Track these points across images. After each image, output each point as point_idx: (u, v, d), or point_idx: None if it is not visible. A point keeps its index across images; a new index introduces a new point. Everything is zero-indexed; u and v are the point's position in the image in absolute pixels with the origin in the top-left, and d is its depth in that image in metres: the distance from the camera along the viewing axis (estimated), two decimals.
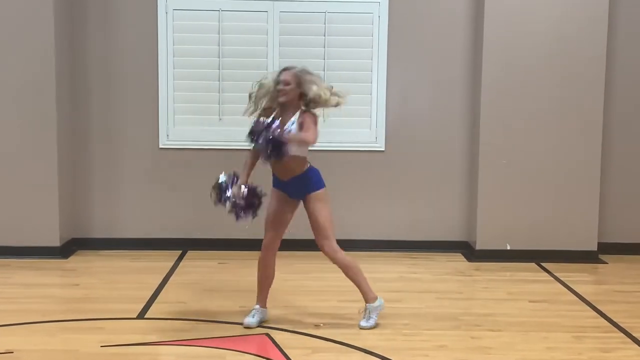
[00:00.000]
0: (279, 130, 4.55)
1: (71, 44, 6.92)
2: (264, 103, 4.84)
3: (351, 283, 5.00)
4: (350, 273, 4.95)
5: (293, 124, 4.74)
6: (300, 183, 4.81)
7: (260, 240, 6.97)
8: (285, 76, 4.77)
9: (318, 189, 4.83)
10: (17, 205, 6.71)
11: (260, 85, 4.88)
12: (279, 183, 4.89)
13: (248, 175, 4.93)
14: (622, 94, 7.10)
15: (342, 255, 4.89)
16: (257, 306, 4.99)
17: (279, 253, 6.71)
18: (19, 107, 6.63)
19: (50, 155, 6.67)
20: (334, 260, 4.89)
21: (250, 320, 4.90)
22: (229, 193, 4.84)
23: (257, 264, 5.03)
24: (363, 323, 4.93)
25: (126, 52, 7.03)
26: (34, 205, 6.71)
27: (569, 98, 6.83)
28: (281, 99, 4.76)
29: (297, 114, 4.78)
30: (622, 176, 7.19)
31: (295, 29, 6.98)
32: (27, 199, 6.71)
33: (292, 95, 4.75)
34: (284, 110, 4.80)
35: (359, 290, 4.97)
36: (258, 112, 4.85)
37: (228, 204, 4.82)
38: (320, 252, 4.92)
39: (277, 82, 4.79)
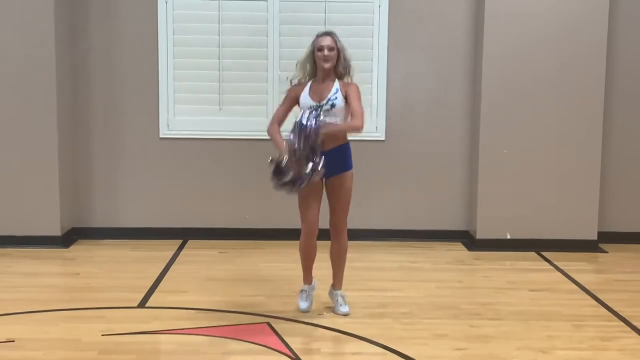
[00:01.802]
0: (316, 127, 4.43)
1: (71, 34, 6.90)
2: (307, 68, 4.77)
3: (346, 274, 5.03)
4: (344, 257, 5.00)
5: (337, 92, 4.69)
6: (338, 156, 4.71)
7: (261, 230, 7.05)
8: (329, 41, 4.68)
9: (351, 167, 4.82)
10: (18, 195, 6.71)
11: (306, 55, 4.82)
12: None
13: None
14: (623, 83, 7.09)
15: (347, 239, 4.97)
16: (306, 286, 5.05)
17: (280, 242, 6.76)
18: (19, 98, 6.62)
19: (51, 145, 6.66)
20: (342, 239, 4.92)
21: (304, 304, 4.97)
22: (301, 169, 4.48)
23: (300, 250, 4.97)
24: (347, 309, 4.94)
25: (126, 42, 7.01)
26: (35, 195, 6.71)
27: (569, 88, 6.82)
28: (327, 65, 4.67)
29: (336, 82, 4.73)
30: (623, 165, 7.18)
31: (295, 19, 6.96)
32: (28, 189, 6.71)
33: (334, 62, 4.70)
34: (322, 79, 4.74)
35: (335, 275, 5.04)
36: (305, 78, 4.79)
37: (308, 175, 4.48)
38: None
39: (318, 47, 4.69)
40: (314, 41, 4.77)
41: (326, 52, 4.66)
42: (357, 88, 4.79)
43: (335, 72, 4.76)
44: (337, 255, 5.00)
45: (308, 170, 4.43)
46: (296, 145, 4.41)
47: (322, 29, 6.78)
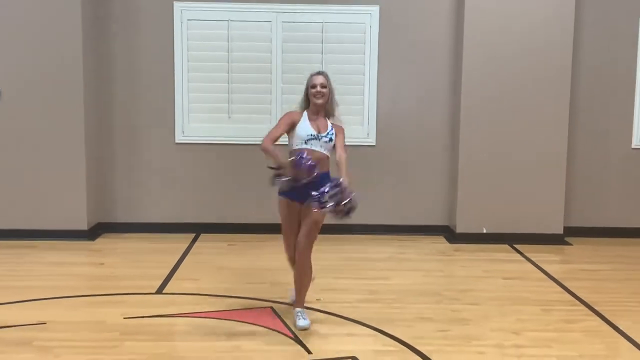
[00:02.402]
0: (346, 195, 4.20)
1: (97, 53, 6.89)
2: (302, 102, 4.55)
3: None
4: (307, 277, 4.50)
5: (332, 129, 4.45)
6: (320, 180, 4.29)
7: (266, 225, 7.03)
8: (322, 80, 4.46)
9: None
10: (49, 194, 6.70)
11: None
12: (299, 189, 4.31)
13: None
14: (586, 92, 7.09)
15: (310, 259, 4.49)
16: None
17: (278, 236, 6.73)
18: (52, 109, 6.61)
19: (79, 149, 6.66)
20: (305, 258, 4.43)
21: (302, 322, 4.42)
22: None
23: (292, 266, 4.61)
24: (305, 323, 4.41)
25: (146, 57, 7.00)
26: (64, 193, 6.70)
27: (538, 99, 6.81)
28: (319, 101, 4.43)
29: (328, 122, 4.51)
30: (585, 168, 7.18)
31: (296, 37, 6.96)
32: (58, 188, 6.70)
33: (326, 98, 4.47)
34: (315, 113, 4.48)
35: (296, 293, 4.53)
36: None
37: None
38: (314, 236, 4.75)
39: (311, 85, 4.46)
40: (308, 80, 4.52)
41: (319, 88, 4.43)
42: (343, 129, 4.56)
43: (325, 109, 4.51)
44: (295, 272, 4.53)
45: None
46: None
47: (319, 46, 6.89)
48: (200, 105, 7.06)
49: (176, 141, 7.08)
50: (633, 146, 7.18)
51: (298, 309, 4.51)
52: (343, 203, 4.18)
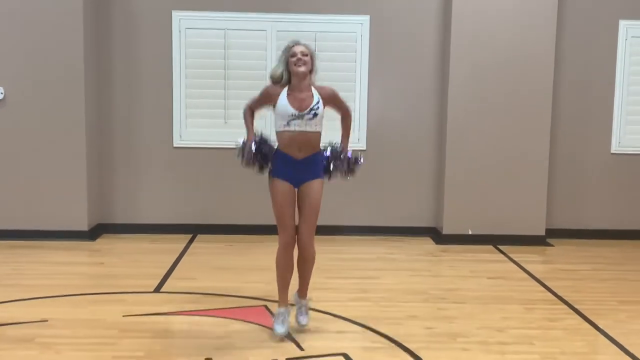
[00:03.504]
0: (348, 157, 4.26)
1: (98, 59, 6.88)
2: (280, 75, 4.16)
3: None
4: (311, 266, 4.30)
5: (319, 101, 4.11)
6: (312, 164, 4.16)
7: (261, 226, 7.02)
8: (302, 48, 4.11)
9: (322, 176, 4.24)
10: (51, 196, 6.68)
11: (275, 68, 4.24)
12: (287, 166, 4.13)
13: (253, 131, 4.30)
14: (568, 99, 7.12)
15: (314, 248, 4.28)
16: (282, 309, 4.25)
17: (272, 237, 6.72)
18: (53, 113, 6.60)
19: (80, 153, 6.65)
20: (309, 249, 4.21)
21: (282, 329, 4.16)
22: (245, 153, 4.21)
23: (277, 266, 4.24)
24: (305, 320, 4.30)
25: (145, 64, 6.99)
26: (65, 195, 6.68)
27: (521, 106, 6.84)
28: (302, 69, 4.06)
29: (314, 90, 4.15)
30: (567, 171, 7.21)
31: None
32: (60, 191, 6.68)
33: (309, 66, 4.11)
34: (298, 83, 4.12)
35: (301, 284, 4.36)
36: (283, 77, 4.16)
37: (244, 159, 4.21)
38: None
39: (291, 54, 4.10)
40: (285, 51, 4.18)
41: (299, 56, 4.08)
42: (334, 90, 4.26)
43: (311, 78, 4.18)
44: (302, 264, 4.29)
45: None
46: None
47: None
48: (197, 111, 7.05)
49: (174, 145, 7.07)
50: (612, 151, 7.22)
51: (303, 300, 4.35)
52: (347, 168, 4.23)
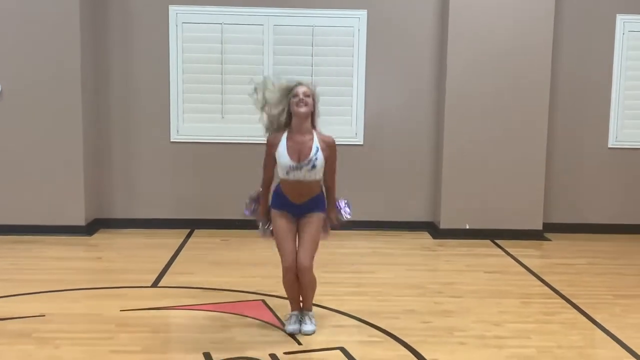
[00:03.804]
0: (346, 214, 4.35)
1: (95, 53, 6.87)
2: (279, 115, 4.07)
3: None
4: (310, 291, 4.24)
5: (318, 151, 4.02)
6: (312, 203, 4.13)
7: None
8: (304, 88, 4.01)
9: (324, 210, 4.20)
10: (48, 191, 6.68)
11: (265, 85, 4.12)
12: (286, 205, 4.14)
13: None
14: (565, 93, 7.13)
15: (313, 272, 4.21)
16: (295, 312, 4.30)
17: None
18: (49, 108, 6.58)
19: (77, 148, 6.63)
20: (306, 274, 4.12)
21: (292, 326, 4.21)
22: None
23: (284, 286, 4.24)
24: (311, 327, 4.22)
25: (142, 59, 6.98)
26: (63, 190, 6.68)
27: (518, 101, 6.84)
28: (303, 109, 3.97)
29: (315, 137, 4.05)
30: (563, 167, 7.22)
31: (287, 40, 6.95)
32: (57, 186, 6.67)
33: (310, 108, 4.02)
34: (299, 128, 4.03)
35: (304, 299, 4.28)
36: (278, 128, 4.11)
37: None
38: None
39: (293, 94, 4.00)
40: (285, 92, 4.06)
41: (301, 96, 3.97)
42: (334, 143, 4.12)
43: (312, 122, 4.09)
44: (302, 288, 4.22)
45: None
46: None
47: (309, 49, 6.88)
48: (194, 106, 7.05)
49: (171, 140, 7.07)
50: (609, 146, 7.23)
51: (307, 312, 4.28)
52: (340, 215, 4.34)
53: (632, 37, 7.09)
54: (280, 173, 4.13)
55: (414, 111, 7.14)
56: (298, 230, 4.18)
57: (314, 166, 4.02)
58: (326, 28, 6.97)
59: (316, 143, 4.05)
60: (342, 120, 6.96)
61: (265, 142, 4.20)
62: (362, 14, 6.99)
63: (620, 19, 7.06)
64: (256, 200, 4.35)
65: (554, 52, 6.89)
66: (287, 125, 4.09)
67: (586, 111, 7.19)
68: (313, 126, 4.10)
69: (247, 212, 4.40)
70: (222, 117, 7.03)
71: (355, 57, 7.01)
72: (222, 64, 6.97)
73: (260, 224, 4.33)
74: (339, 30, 7.00)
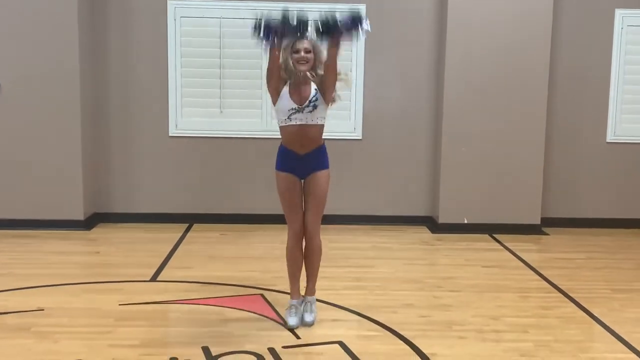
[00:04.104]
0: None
1: (93, 48, 6.85)
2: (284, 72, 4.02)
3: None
4: (317, 258, 4.26)
5: (316, 93, 4.02)
6: (315, 157, 4.10)
7: (256, 215, 7.03)
8: (306, 44, 3.97)
9: (327, 166, 4.16)
10: (47, 185, 6.67)
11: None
12: (291, 161, 4.10)
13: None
14: (564, 88, 7.12)
15: (320, 239, 4.24)
16: (294, 301, 4.27)
17: (271, 226, 6.75)
18: (48, 101, 6.57)
19: (75, 143, 6.62)
20: (314, 239, 4.18)
21: (294, 321, 4.19)
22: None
23: (287, 258, 4.25)
24: (311, 318, 4.23)
25: (141, 53, 6.96)
26: (61, 184, 6.67)
27: (517, 96, 6.83)
28: (304, 67, 3.97)
29: (313, 85, 4.05)
30: (562, 160, 7.22)
31: None
32: (55, 180, 6.66)
33: (311, 64, 4.00)
34: (298, 82, 4.03)
35: (308, 279, 4.32)
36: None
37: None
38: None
39: (294, 49, 3.98)
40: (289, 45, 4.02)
41: (302, 53, 3.98)
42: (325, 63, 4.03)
43: (314, 71, 4.05)
44: (309, 256, 4.25)
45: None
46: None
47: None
48: (193, 100, 7.03)
49: (170, 134, 7.06)
50: (607, 140, 7.23)
51: (309, 297, 4.29)
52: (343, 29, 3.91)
53: (631, 31, 7.08)
54: (280, 120, 4.07)
55: (412, 106, 7.13)
56: (304, 191, 4.16)
57: (315, 106, 4.02)
58: None
59: (314, 86, 4.05)
60: (340, 115, 6.94)
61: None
62: (361, 8, 6.96)
63: (619, 13, 7.06)
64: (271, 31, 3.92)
65: (552, 47, 6.89)
66: (290, 78, 4.05)
67: (585, 106, 7.19)
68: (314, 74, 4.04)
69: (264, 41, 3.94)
70: (221, 112, 7.02)
71: (353, 52, 6.99)
72: (220, 59, 6.96)
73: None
74: None
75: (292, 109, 4.02)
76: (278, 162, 4.17)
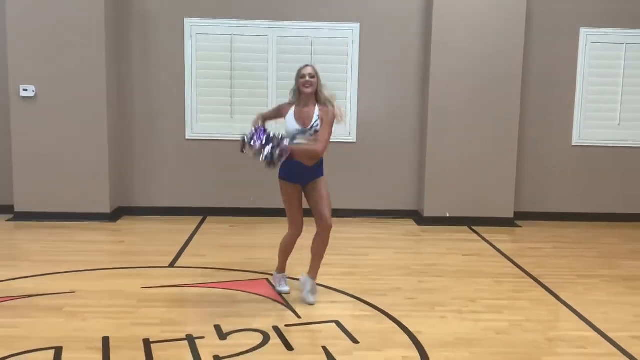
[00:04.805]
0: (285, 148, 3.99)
1: (118, 62, 6.85)
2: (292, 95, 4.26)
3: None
4: (326, 244, 4.33)
5: (317, 119, 4.14)
6: (315, 168, 4.21)
7: (262, 209, 7.03)
8: (310, 70, 4.18)
9: (323, 174, 4.29)
10: (77, 182, 6.67)
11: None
12: (294, 171, 4.19)
13: (262, 122, 4.26)
14: (534, 97, 7.12)
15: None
16: (283, 274, 4.54)
17: (275, 219, 6.74)
18: (79, 112, 6.58)
19: (102, 146, 6.63)
20: (328, 231, 4.26)
21: (287, 287, 4.47)
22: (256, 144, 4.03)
23: (282, 246, 4.43)
24: (313, 298, 4.31)
25: (161, 65, 6.96)
26: (90, 181, 6.67)
27: (493, 104, 6.84)
28: (308, 90, 4.14)
29: (316, 108, 4.17)
30: (533, 161, 7.23)
31: (289, 50, 6.93)
32: (85, 178, 6.66)
33: (315, 87, 4.17)
34: (306, 102, 4.18)
35: (313, 264, 4.37)
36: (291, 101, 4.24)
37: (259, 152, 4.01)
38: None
39: (300, 75, 4.19)
40: (297, 72, 4.25)
41: (307, 78, 4.15)
42: (332, 112, 4.16)
43: (317, 98, 4.21)
44: (319, 245, 4.32)
45: (263, 156, 3.97)
46: (260, 142, 3.98)
47: (309, 58, 6.86)
48: (206, 107, 7.03)
49: (186, 137, 7.05)
50: (573, 144, 7.23)
51: (312, 280, 4.35)
52: (277, 157, 3.99)
53: (594, 47, 7.08)
54: (287, 141, 4.11)
55: (401, 113, 7.12)
56: (308, 196, 4.27)
57: (315, 131, 4.14)
58: (324, 39, 6.95)
59: (317, 112, 4.17)
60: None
61: (278, 105, 4.42)
62: (356, 26, 6.97)
63: (583, 31, 7.06)
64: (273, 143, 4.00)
65: (524, 61, 6.89)
66: (297, 100, 4.24)
67: (553, 113, 7.19)
68: (317, 100, 4.21)
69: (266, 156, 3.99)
70: (232, 117, 7.02)
71: (349, 64, 7.00)
72: (231, 70, 6.95)
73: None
74: (335, 40, 6.98)
75: (297, 129, 4.16)
76: (281, 171, 4.24)
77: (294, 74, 4.29)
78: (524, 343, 3.74)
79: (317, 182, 4.25)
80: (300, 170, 4.20)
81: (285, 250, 4.47)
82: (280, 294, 4.45)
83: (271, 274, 4.83)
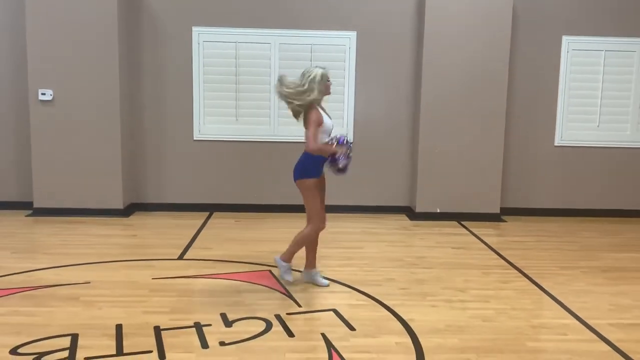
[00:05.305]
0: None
1: (130, 68, 6.84)
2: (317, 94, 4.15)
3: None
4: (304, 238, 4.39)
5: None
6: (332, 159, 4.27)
7: (265, 205, 7.03)
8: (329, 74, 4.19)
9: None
10: (92, 180, 6.66)
11: (314, 76, 4.13)
12: (322, 166, 4.27)
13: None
14: (519, 100, 7.13)
15: None
16: (290, 264, 4.50)
17: (278, 214, 6.73)
18: (94, 113, 6.56)
19: (115, 145, 6.62)
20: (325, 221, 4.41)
21: (291, 276, 4.47)
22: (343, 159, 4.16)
23: (308, 241, 4.41)
24: (326, 281, 4.44)
25: (170, 71, 6.95)
26: (104, 179, 6.67)
27: (480, 107, 6.83)
28: (328, 94, 4.25)
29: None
30: (519, 160, 7.23)
31: (290, 56, 6.92)
32: (100, 176, 6.66)
33: None
34: (321, 102, 4.23)
35: (313, 256, 4.51)
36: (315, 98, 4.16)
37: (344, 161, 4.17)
38: (304, 214, 4.57)
39: (327, 79, 4.18)
40: (322, 75, 4.19)
41: (330, 81, 4.26)
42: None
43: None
44: (317, 243, 4.51)
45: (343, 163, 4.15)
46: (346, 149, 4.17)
47: (309, 63, 6.85)
48: (213, 109, 7.02)
49: (194, 138, 7.05)
50: (555, 144, 7.23)
51: (317, 270, 4.49)
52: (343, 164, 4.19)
53: (575, 54, 7.08)
54: (322, 138, 4.18)
55: (394, 114, 7.12)
56: (321, 188, 4.34)
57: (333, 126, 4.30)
58: (322, 46, 6.94)
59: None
60: (335, 122, 6.91)
61: (314, 120, 4.14)
62: (352, 34, 6.97)
63: (565, 39, 7.05)
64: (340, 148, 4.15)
65: (510, 67, 6.89)
66: (319, 101, 4.23)
67: (537, 115, 7.19)
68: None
69: (342, 160, 4.15)
70: (237, 120, 7.01)
71: (346, 70, 6.99)
72: (236, 76, 6.95)
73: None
74: (333, 48, 6.97)
75: (332, 127, 4.31)
76: (313, 171, 4.23)
77: (296, 79, 4.29)
78: (510, 330, 3.75)
79: (324, 175, 4.35)
80: (322, 164, 4.27)
81: (312, 245, 4.46)
82: (320, 285, 4.38)
83: (274, 265, 4.84)
